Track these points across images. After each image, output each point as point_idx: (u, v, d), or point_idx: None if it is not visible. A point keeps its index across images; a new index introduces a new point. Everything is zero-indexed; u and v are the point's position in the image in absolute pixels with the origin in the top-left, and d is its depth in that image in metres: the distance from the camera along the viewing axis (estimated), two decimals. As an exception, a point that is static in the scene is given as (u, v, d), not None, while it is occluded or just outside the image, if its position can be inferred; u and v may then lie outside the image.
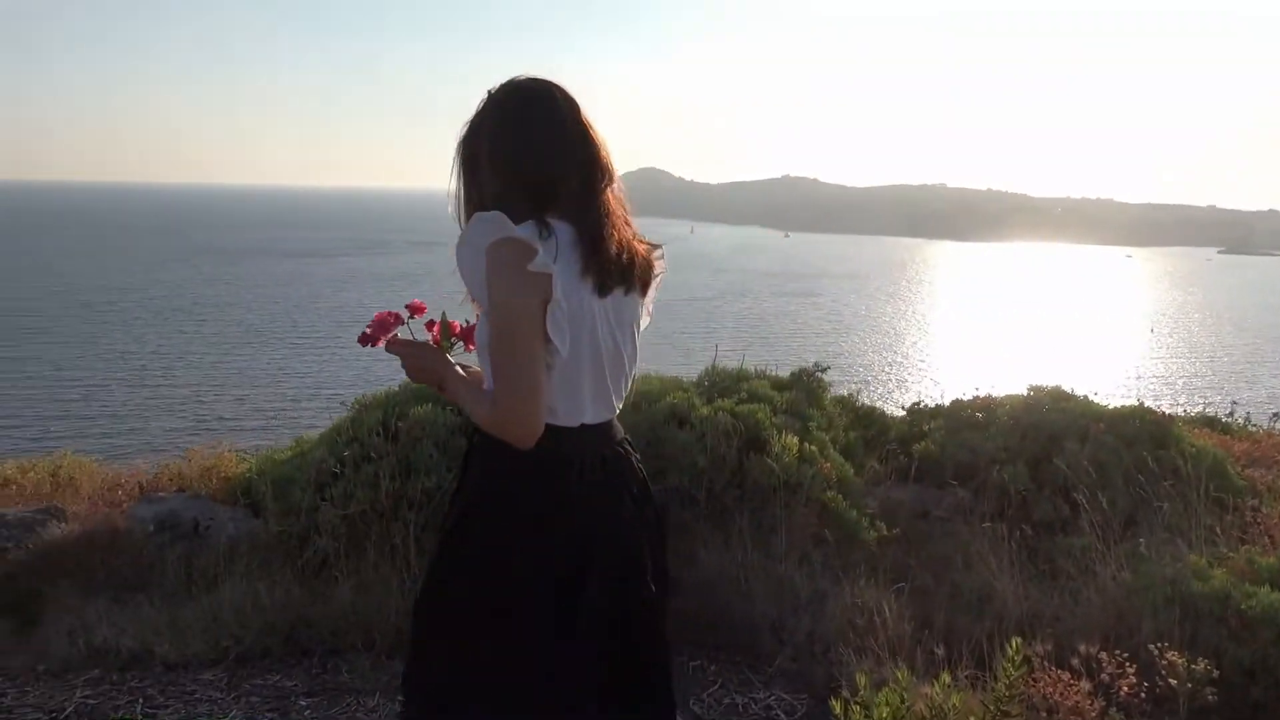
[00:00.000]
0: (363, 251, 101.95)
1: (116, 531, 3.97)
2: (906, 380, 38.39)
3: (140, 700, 3.26)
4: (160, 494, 4.40)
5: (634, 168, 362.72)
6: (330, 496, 3.93)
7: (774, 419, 4.35)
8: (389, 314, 1.86)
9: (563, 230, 1.78)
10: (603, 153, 1.85)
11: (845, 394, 5.50)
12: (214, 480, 4.51)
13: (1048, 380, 5.62)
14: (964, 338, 48.12)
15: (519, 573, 1.80)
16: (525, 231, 1.71)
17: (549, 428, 1.76)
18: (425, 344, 1.89)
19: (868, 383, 36.39)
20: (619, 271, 1.82)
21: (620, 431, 1.96)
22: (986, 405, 5.43)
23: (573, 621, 1.79)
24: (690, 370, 5.49)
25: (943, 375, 37.25)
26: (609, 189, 1.84)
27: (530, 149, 1.80)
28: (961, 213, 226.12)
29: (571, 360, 1.77)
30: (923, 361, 43.05)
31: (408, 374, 1.91)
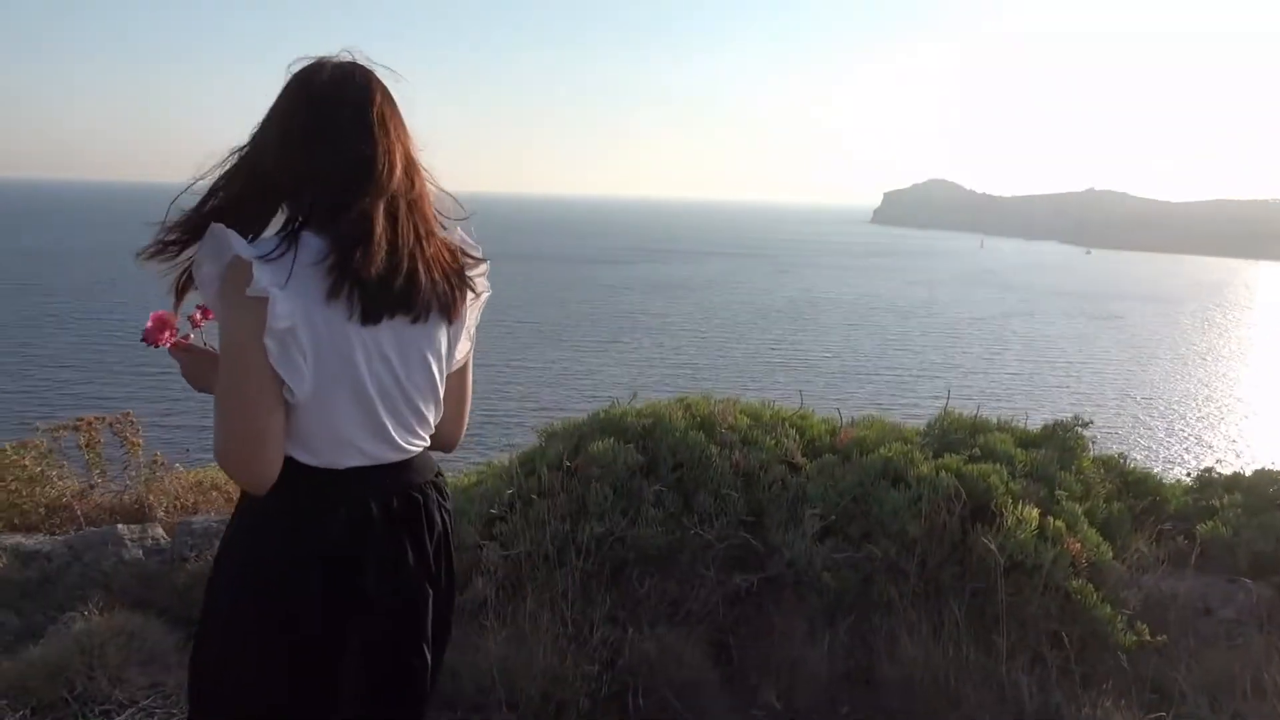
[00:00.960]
0: (644, 259, 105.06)
1: (291, 549, 3.89)
2: (1216, 418, 34.14)
3: (275, 739, 3.11)
4: (343, 511, 4.32)
5: (921, 179, 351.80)
6: (497, 534, 3.66)
7: (1010, 484, 3.64)
8: (166, 314, 1.73)
9: (312, 247, 1.51)
10: (384, 157, 1.55)
11: (1114, 452, 4.59)
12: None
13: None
14: (1281, 384, 41.95)
15: (262, 629, 1.58)
16: (261, 249, 1.49)
17: (308, 469, 1.57)
18: (206, 352, 1.76)
19: (1167, 419, 32.69)
20: (391, 296, 1.55)
21: (422, 474, 1.72)
22: (1302, 478, 4.40)
23: (322, 692, 1.61)
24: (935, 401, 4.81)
25: (1252, 424, 32.80)
26: (381, 199, 1.54)
27: (284, 145, 1.54)
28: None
29: (323, 397, 1.53)
30: (1237, 400, 38.18)
31: (186, 379, 1.76)
